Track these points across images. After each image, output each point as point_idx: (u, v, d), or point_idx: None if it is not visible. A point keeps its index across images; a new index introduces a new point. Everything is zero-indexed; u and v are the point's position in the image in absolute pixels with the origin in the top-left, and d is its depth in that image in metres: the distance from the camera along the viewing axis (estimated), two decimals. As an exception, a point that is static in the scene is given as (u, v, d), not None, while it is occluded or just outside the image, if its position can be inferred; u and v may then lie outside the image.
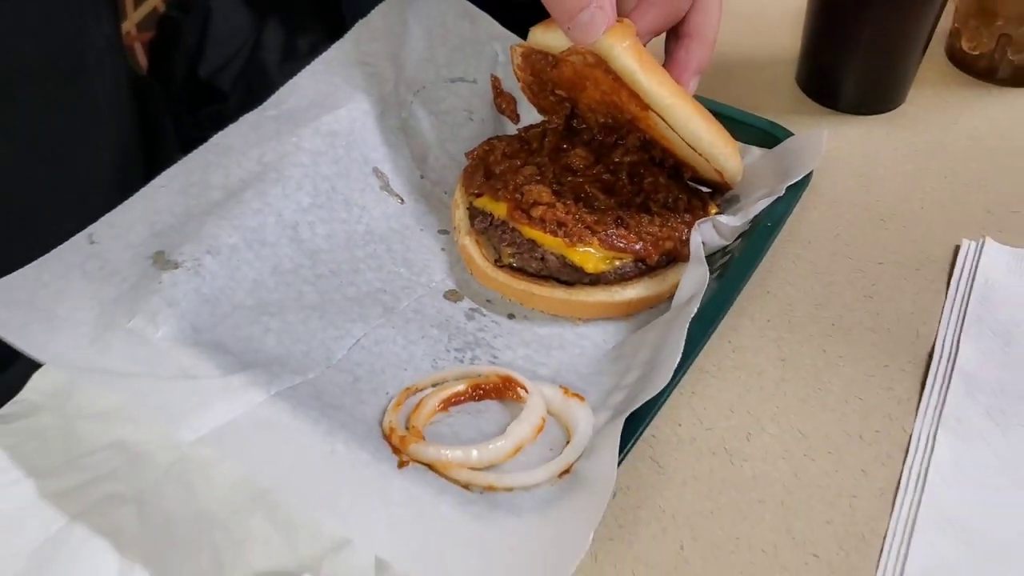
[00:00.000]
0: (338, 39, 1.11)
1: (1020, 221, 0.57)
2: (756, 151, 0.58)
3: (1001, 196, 0.58)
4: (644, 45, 0.51)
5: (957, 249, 0.55)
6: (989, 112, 0.65)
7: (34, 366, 0.46)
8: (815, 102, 0.66)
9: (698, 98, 0.55)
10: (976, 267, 0.53)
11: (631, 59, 0.47)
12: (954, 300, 0.52)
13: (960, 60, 0.68)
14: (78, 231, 0.52)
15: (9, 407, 0.46)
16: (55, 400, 0.46)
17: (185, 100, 1.14)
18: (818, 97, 0.66)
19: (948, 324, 0.50)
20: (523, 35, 0.53)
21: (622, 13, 0.53)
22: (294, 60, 1.16)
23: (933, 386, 0.47)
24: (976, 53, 0.67)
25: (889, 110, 0.65)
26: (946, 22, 0.69)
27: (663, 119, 0.48)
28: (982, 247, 0.54)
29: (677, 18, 0.51)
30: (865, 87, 0.64)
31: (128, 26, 1.13)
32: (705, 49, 0.51)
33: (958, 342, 0.49)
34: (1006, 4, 0.63)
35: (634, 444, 0.42)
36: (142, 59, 1.16)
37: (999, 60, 0.65)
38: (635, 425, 0.42)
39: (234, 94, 1.15)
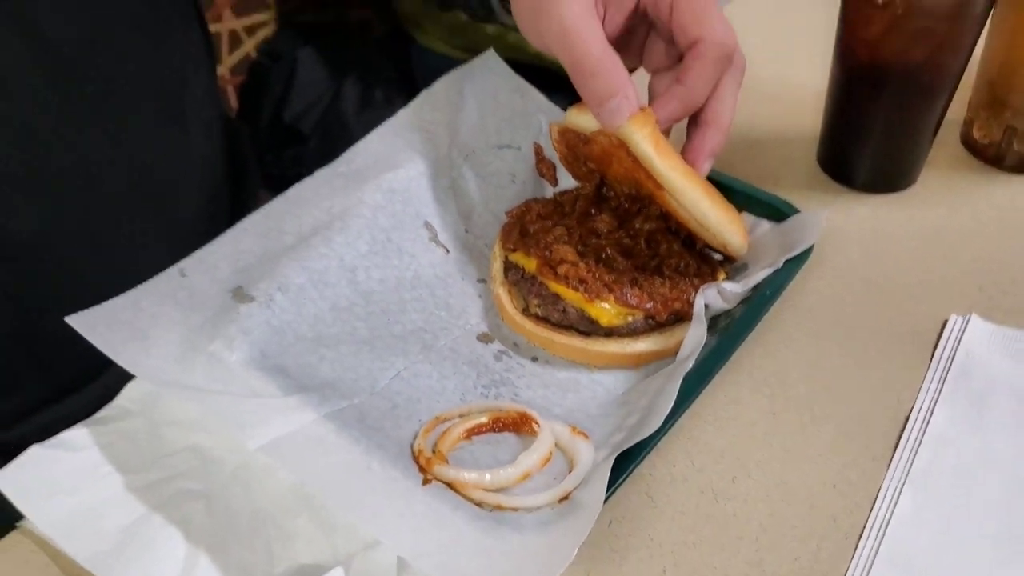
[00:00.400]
0: (408, 92, 1.21)
1: (1008, 301, 0.62)
2: (766, 224, 0.64)
3: (994, 276, 0.64)
4: (665, 129, 0.58)
5: (946, 323, 0.60)
6: (994, 197, 0.70)
7: (128, 376, 0.54)
8: (833, 179, 0.72)
9: (716, 174, 0.62)
10: (960, 341, 0.58)
11: (649, 146, 0.54)
12: (935, 369, 0.57)
13: (972, 147, 0.74)
14: (170, 256, 0.61)
15: (105, 411, 0.54)
16: (144, 408, 0.54)
17: (270, 141, 1.24)
18: (835, 175, 0.72)
19: (927, 391, 0.56)
20: (567, 104, 0.61)
21: (652, 98, 0.61)
22: (369, 109, 1.26)
23: (905, 445, 0.53)
24: (986, 141, 0.72)
25: (900, 190, 0.71)
26: (962, 111, 0.74)
27: (675, 199, 0.55)
28: (968, 322, 0.59)
29: (695, 108, 0.58)
30: (877, 168, 0.70)
31: (222, 70, 1.24)
32: (719, 136, 0.58)
33: (934, 408, 0.55)
34: (1014, 98, 0.69)
35: (626, 478, 0.49)
36: (233, 100, 1.27)
37: (1006, 149, 0.71)
38: (628, 462, 0.49)
39: (314, 137, 1.25)
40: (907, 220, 0.69)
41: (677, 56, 0.59)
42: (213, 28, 1.21)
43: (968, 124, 0.74)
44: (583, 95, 0.56)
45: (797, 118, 0.76)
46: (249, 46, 1.27)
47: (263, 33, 1.29)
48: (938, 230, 0.68)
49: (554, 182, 0.69)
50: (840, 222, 0.68)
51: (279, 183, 1.05)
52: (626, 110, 0.54)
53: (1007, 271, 0.64)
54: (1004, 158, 0.72)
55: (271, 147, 1.25)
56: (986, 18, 0.62)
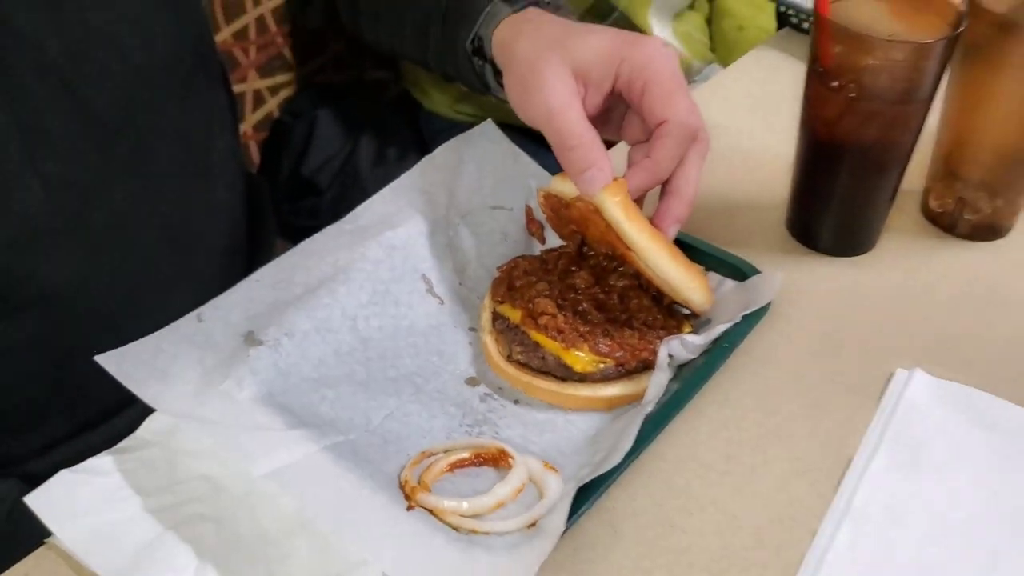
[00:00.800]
0: (419, 149, 1.28)
1: (951, 357, 0.67)
2: (730, 283, 0.70)
3: (940, 334, 0.69)
4: (639, 197, 0.65)
5: (892, 376, 0.66)
6: (946, 261, 0.76)
7: (146, 412, 0.61)
8: (799, 243, 0.78)
9: (687, 237, 0.69)
10: (903, 392, 0.64)
11: (619, 211, 0.61)
12: (879, 418, 0.63)
13: (929, 215, 0.80)
14: (191, 300, 0.67)
15: (127, 441, 0.60)
16: (162, 439, 0.60)
17: (288, 193, 1.32)
18: (801, 239, 0.78)
19: (870, 437, 0.62)
20: (557, 167, 0.67)
21: (629, 166, 0.67)
22: (383, 165, 1.33)
23: (846, 486, 0.59)
24: (941, 210, 0.78)
25: (860, 254, 0.77)
26: (922, 182, 0.80)
27: (642, 259, 0.62)
28: (912, 376, 0.65)
29: (663, 179, 0.64)
30: (838, 233, 0.76)
31: (246, 127, 1.32)
32: (683, 205, 0.64)
33: (875, 453, 0.60)
34: (964, 171, 0.75)
35: (587, 509, 0.55)
36: (255, 155, 1.35)
37: (958, 217, 0.77)
38: (591, 494, 0.54)
39: (330, 190, 1.32)
40: (864, 281, 0.75)
41: (651, 131, 0.65)
42: (238, 88, 1.30)
43: (926, 194, 0.80)
44: (564, 166, 0.63)
45: (770, 186, 0.83)
46: (272, 105, 1.36)
47: (285, 93, 1.38)
48: (892, 291, 0.74)
49: (542, 240, 0.76)
50: (803, 282, 0.74)
51: (296, 232, 1.13)
52: (600, 180, 0.61)
53: (953, 329, 0.70)
54: (957, 226, 0.78)
55: (289, 199, 1.32)
56: (931, 101, 0.69)
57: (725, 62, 1.34)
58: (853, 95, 0.67)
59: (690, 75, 1.33)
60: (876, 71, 0.67)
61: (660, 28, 1.32)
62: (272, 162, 1.34)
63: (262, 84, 1.34)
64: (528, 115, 0.65)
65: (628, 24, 1.28)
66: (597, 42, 0.64)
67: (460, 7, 0.72)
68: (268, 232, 1.06)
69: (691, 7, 1.36)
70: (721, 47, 1.36)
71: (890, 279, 0.75)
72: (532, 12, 0.69)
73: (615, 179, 0.62)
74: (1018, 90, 0.70)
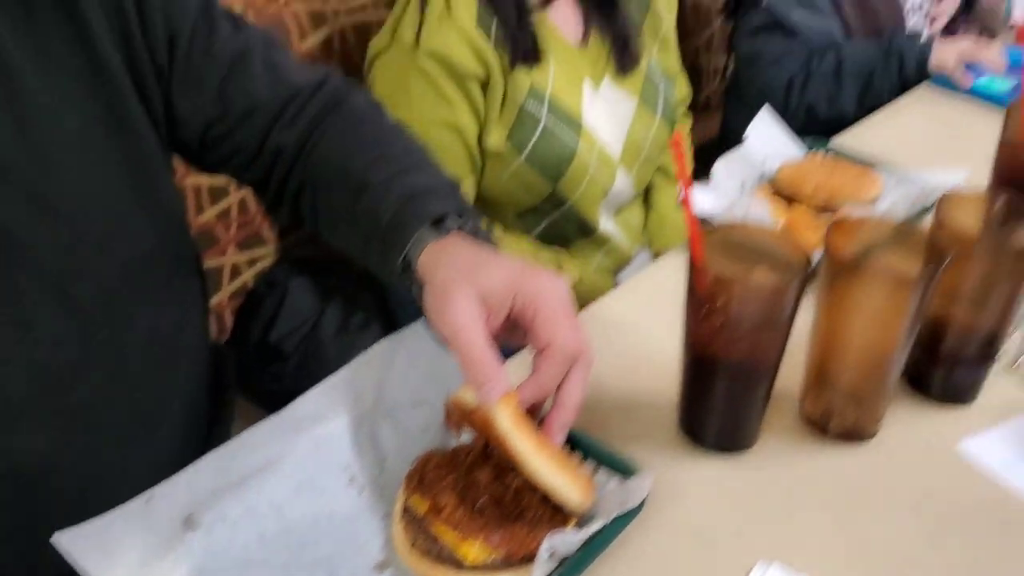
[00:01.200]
0: (383, 318, 1.38)
1: (812, 551, 0.76)
2: (615, 480, 0.80)
3: (804, 529, 0.79)
4: (529, 407, 0.76)
5: (752, 568, 0.75)
6: (818, 461, 0.86)
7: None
8: (690, 440, 0.88)
9: (580, 435, 0.79)
10: (760, 584, 0.73)
11: (508, 423, 0.71)
12: (736, 610, 0.71)
13: (806, 417, 0.90)
14: (149, 476, 0.75)
15: (73, 610, 0.69)
16: (103, 610, 0.69)
17: (255, 359, 1.43)
18: (690, 436, 0.88)
19: (725, 629, 0.70)
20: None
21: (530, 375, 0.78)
22: (345, 333, 1.45)
23: (697, 675, 0.67)
24: (814, 415, 0.89)
25: (741, 451, 0.87)
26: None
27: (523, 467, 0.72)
28: (769, 568, 0.74)
29: (549, 394, 0.75)
30: (720, 433, 0.86)
31: (221, 296, 1.44)
32: (568, 414, 0.75)
33: (727, 644, 0.69)
34: (831, 382, 0.86)
35: None
36: (228, 321, 1.46)
37: (828, 421, 0.87)
38: (465, 677, 0.63)
39: (294, 356, 1.43)
40: (742, 477, 0.84)
41: (540, 350, 0.76)
42: (217, 262, 1.43)
43: (802, 400, 0.91)
44: (465, 378, 0.74)
45: (668, 384, 0.93)
46: (247, 276, 1.48)
47: (262, 265, 1.51)
48: (765, 487, 0.83)
49: (459, 435, 0.86)
50: (687, 478, 0.84)
51: (259, 396, 1.23)
52: (496, 394, 0.72)
53: (816, 525, 0.79)
54: (828, 429, 0.88)
55: (256, 365, 1.43)
56: (792, 323, 0.80)
57: (656, 249, 1.49)
58: (720, 322, 0.79)
59: (627, 260, 1.47)
60: (741, 302, 0.78)
61: (605, 219, 1.46)
62: (243, 329, 1.46)
63: (240, 258, 1.47)
64: (439, 331, 0.76)
65: (576, 214, 1.42)
66: (498, 274, 0.76)
67: (394, 231, 0.84)
68: (229, 399, 1.15)
69: (631, 200, 1.51)
70: (653, 238, 1.51)
71: (764, 476, 0.84)
72: (451, 240, 0.81)
73: (508, 393, 0.72)
74: (869, 316, 0.82)
